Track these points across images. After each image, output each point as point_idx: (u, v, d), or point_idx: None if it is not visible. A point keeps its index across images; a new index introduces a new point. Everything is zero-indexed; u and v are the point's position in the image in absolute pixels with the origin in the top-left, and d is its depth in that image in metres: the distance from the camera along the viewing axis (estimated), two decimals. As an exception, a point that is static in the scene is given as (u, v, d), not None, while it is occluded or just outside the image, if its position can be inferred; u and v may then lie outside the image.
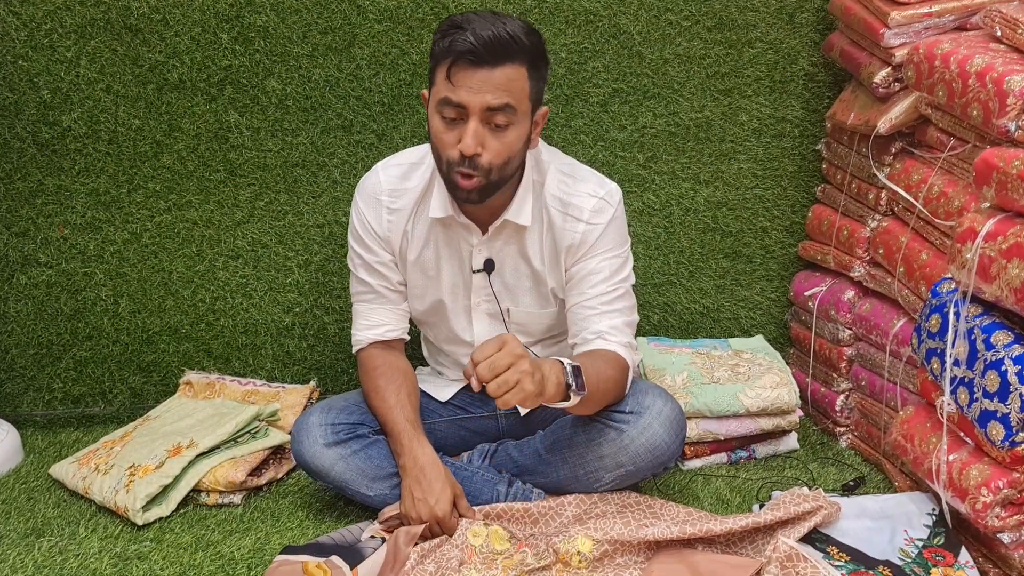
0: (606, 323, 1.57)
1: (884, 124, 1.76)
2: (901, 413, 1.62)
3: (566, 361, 1.41)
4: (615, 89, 2.08)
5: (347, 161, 2.07)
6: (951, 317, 1.44)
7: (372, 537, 1.53)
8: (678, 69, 2.08)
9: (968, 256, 1.38)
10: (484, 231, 1.62)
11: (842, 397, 1.98)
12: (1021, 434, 1.31)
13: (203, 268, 2.10)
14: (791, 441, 1.92)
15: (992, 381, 1.33)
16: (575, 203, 1.59)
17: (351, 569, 1.42)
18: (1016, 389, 1.30)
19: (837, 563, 1.40)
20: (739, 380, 1.89)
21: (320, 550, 1.48)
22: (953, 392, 1.43)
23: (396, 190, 1.62)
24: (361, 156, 2.07)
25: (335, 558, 1.45)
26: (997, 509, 1.35)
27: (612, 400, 1.57)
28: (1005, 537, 1.36)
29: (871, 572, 1.39)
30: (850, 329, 1.95)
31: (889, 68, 1.77)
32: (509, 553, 1.49)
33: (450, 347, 1.76)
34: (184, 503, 1.70)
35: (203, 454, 1.74)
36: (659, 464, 1.60)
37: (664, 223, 2.16)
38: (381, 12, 1.99)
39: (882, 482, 1.79)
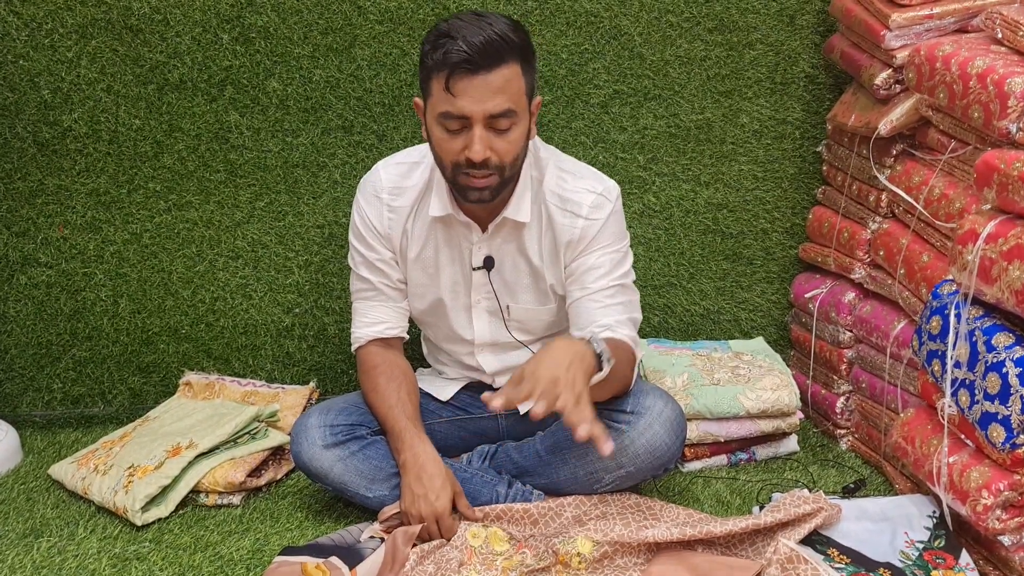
0: (612, 317, 1.58)
1: (885, 126, 1.76)
2: (902, 415, 1.62)
3: (591, 338, 1.40)
4: (616, 91, 2.08)
5: (347, 162, 2.07)
6: (952, 319, 1.44)
7: (371, 537, 1.53)
8: (679, 71, 2.08)
9: (969, 258, 1.38)
10: (483, 229, 1.62)
11: (842, 399, 1.97)
12: (1022, 436, 1.30)
13: (203, 268, 2.10)
14: (791, 443, 1.92)
15: (993, 383, 1.33)
16: (574, 199, 1.59)
17: (350, 570, 1.42)
18: (1017, 391, 1.29)
19: (838, 565, 1.40)
20: (739, 382, 1.89)
21: (319, 551, 1.48)
22: (954, 394, 1.43)
23: (397, 188, 1.63)
24: (361, 157, 2.07)
25: (334, 559, 1.45)
26: (998, 511, 1.34)
27: (621, 388, 1.57)
28: (1006, 539, 1.36)
29: (871, 574, 1.39)
30: (850, 331, 1.95)
31: (890, 70, 1.77)
32: (508, 554, 1.49)
33: (450, 346, 1.76)
34: (183, 504, 1.70)
35: (202, 455, 1.73)
36: (659, 466, 1.59)
37: (664, 225, 2.16)
38: (382, 13, 1.99)
39: (882, 484, 1.78)
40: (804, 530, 1.45)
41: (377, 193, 1.63)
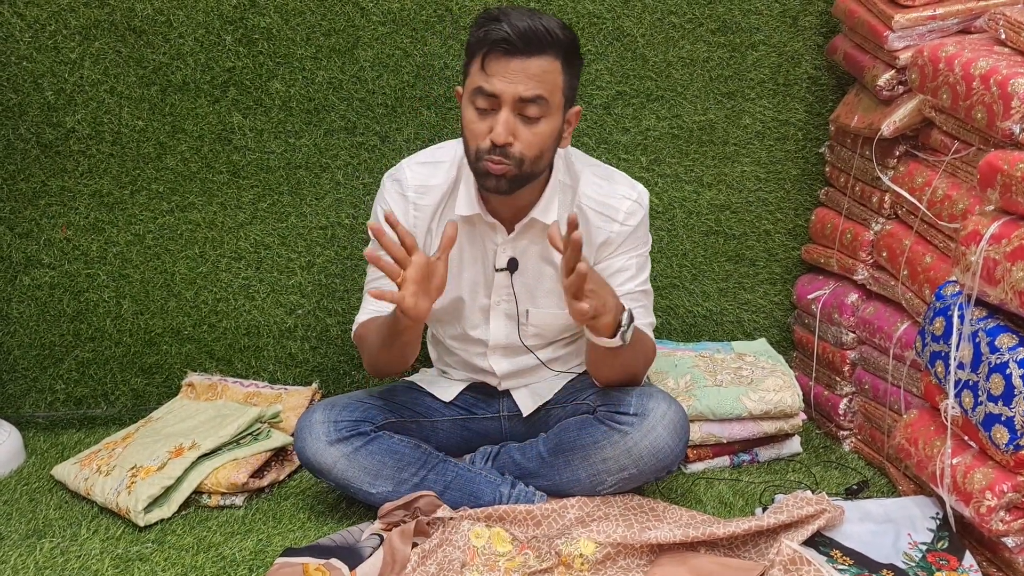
0: (635, 321, 1.59)
1: (888, 127, 1.76)
2: (905, 417, 1.62)
3: (626, 309, 1.48)
4: (618, 92, 2.08)
5: (350, 163, 2.07)
6: (955, 320, 1.43)
7: (372, 535, 1.53)
8: (681, 72, 2.08)
9: (972, 259, 1.38)
10: (509, 231, 1.62)
11: (845, 400, 1.97)
12: (1026, 437, 1.30)
13: (206, 270, 2.10)
14: (794, 445, 1.91)
15: (996, 384, 1.33)
16: (612, 204, 1.63)
17: (350, 571, 1.42)
18: (1021, 392, 1.29)
19: (840, 567, 1.40)
20: (742, 383, 1.88)
21: (321, 552, 1.48)
22: (957, 395, 1.43)
23: (422, 187, 1.63)
24: (364, 158, 2.07)
25: (334, 560, 1.44)
26: (1001, 513, 1.34)
27: (635, 375, 1.62)
28: (1009, 541, 1.36)
29: (875, 576, 1.39)
30: (853, 332, 1.94)
31: (893, 71, 1.77)
32: (511, 555, 1.49)
33: (460, 345, 1.75)
34: (186, 505, 1.70)
35: (205, 456, 1.74)
36: (662, 468, 1.59)
37: (667, 226, 2.16)
38: (384, 14, 1.99)
39: (886, 486, 1.78)
40: (807, 532, 1.45)
41: (403, 191, 1.63)
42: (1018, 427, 1.30)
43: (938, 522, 1.51)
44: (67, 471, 1.79)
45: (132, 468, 1.71)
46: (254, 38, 1.98)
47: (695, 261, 2.19)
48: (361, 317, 1.69)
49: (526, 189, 1.55)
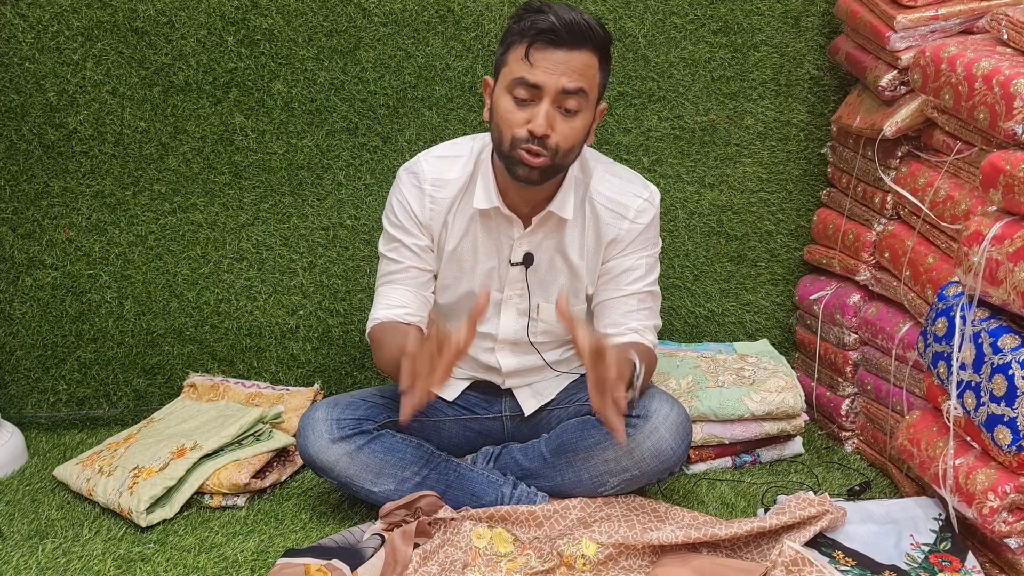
0: (640, 323, 1.65)
1: (890, 127, 1.76)
2: (907, 417, 1.61)
3: (637, 365, 1.47)
4: (620, 92, 2.08)
5: (352, 164, 2.07)
6: (958, 321, 1.43)
7: (374, 536, 1.52)
8: (683, 72, 2.08)
9: (975, 259, 1.38)
10: (526, 225, 1.63)
11: (848, 401, 1.97)
12: (1028, 438, 1.30)
13: (208, 270, 2.10)
14: (796, 445, 1.91)
15: (999, 385, 1.33)
16: (623, 202, 1.63)
17: (352, 571, 1.42)
18: (1023, 393, 1.29)
19: (843, 568, 1.40)
20: (744, 384, 1.88)
21: (322, 553, 1.48)
22: (960, 396, 1.43)
23: (439, 180, 1.63)
24: (366, 159, 2.07)
25: (336, 561, 1.44)
26: (1004, 514, 1.34)
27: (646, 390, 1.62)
28: (1012, 542, 1.36)
29: (877, 577, 1.39)
30: (856, 333, 1.94)
31: (895, 71, 1.77)
32: (513, 556, 1.48)
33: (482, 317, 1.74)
34: (188, 505, 1.70)
35: (207, 456, 1.74)
36: (665, 469, 1.59)
37: (669, 227, 2.16)
38: (386, 15, 1.99)
39: (888, 487, 1.78)
40: (809, 533, 1.45)
41: (420, 184, 1.63)
42: (1021, 428, 1.30)
43: (940, 523, 1.50)
44: (69, 472, 1.79)
45: (134, 469, 1.71)
46: (256, 39, 1.99)
47: (697, 262, 2.19)
48: (377, 314, 1.65)
49: (547, 182, 1.56)
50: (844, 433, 1.98)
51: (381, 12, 1.99)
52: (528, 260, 1.65)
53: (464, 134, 1.76)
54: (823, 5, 2.06)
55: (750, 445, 1.89)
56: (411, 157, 1.69)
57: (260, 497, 1.77)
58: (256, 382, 2.08)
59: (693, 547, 1.47)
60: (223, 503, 1.72)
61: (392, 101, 2.04)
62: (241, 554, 1.55)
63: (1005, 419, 1.32)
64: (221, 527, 1.65)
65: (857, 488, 1.75)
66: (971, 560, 1.42)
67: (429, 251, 1.66)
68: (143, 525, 1.62)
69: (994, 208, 1.41)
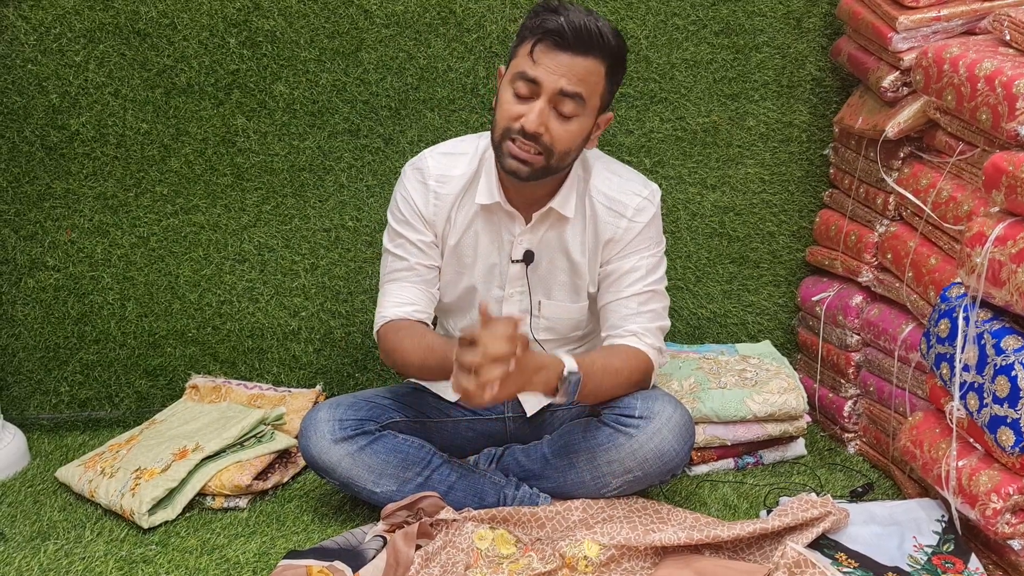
0: (641, 325, 1.62)
1: (892, 128, 1.76)
2: (910, 419, 1.61)
3: (568, 369, 1.45)
4: (622, 93, 2.08)
5: (354, 165, 2.07)
6: (960, 322, 1.43)
7: (376, 537, 1.52)
8: (685, 74, 2.08)
9: (978, 260, 1.38)
10: (527, 221, 1.63)
11: (850, 403, 1.97)
12: (1031, 440, 1.30)
13: (210, 272, 2.10)
14: (798, 447, 1.91)
15: (1002, 386, 1.33)
16: (621, 200, 1.63)
17: (353, 573, 1.42)
18: (1026, 394, 1.29)
19: (846, 569, 1.39)
20: (746, 385, 1.88)
21: (324, 554, 1.48)
22: (962, 397, 1.42)
23: (443, 176, 1.64)
24: (368, 160, 2.07)
25: (337, 563, 1.44)
26: (1007, 515, 1.34)
27: (618, 394, 1.60)
28: (1015, 544, 1.35)
29: (880, 579, 1.39)
30: (858, 334, 1.94)
31: (897, 72, 1.77)
32: (515, 557, 1.48)
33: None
34: (190, 507, 1.70)
35: (209, 458, 1.74)
36: (667, 471, 1.59)
37: (671, 228, 2.16)
38: (388, 17, 2.00)
39: (891, 488, 1.78)
40: (812, 534, 1.44)
41: (424, 180, 1.64)
42: (1024, 429, 1.29)
43: (943, 525, 1.50)
44: (71, 473, 1.80)
45: (136, 470, 1.71)
46: (258, 41, 1.99)
47: (699, 263, 2.19)
48: (386, 312, 1.64)
49: (547, 180, 1.56)
50: (846, 435, 1.97)
51: (383, 14, 1.99)
52: (528, 258, 1.65)
53: (466, 135, 1.76)
54: (825, 6, 2.06)
55: (752, 447, 1.88)
56: (413, 158, 1.70)
57: (262, 499, 1.77)
58: (258, 383, 2.09)
59: (695, 548, 1.46)
60: (225, 505, 1.72)
61: (394, 103, 2.04)
62: (243, 556, 1.55)
63: (1008, 420, 1.32)
64: (223, 529, 1.65)
65: (860, 490, 1.74)
66: (974, 562, 1.41)
67: (434, 247, 1.66)
68: (145, 527, 1.62)
69: (997, 209, 1.41)
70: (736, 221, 2.17)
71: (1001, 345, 1.35)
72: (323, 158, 2.07)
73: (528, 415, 1.76)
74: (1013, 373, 1.31)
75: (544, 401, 1.76)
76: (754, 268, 2.21)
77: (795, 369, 2.09)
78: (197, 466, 1.72)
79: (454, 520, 1.54)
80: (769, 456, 1.89)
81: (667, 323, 1.68)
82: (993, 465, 1.38)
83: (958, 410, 1.44)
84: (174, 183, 2.06)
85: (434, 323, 1.80)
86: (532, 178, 1.53)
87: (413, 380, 1.81)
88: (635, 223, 1.63)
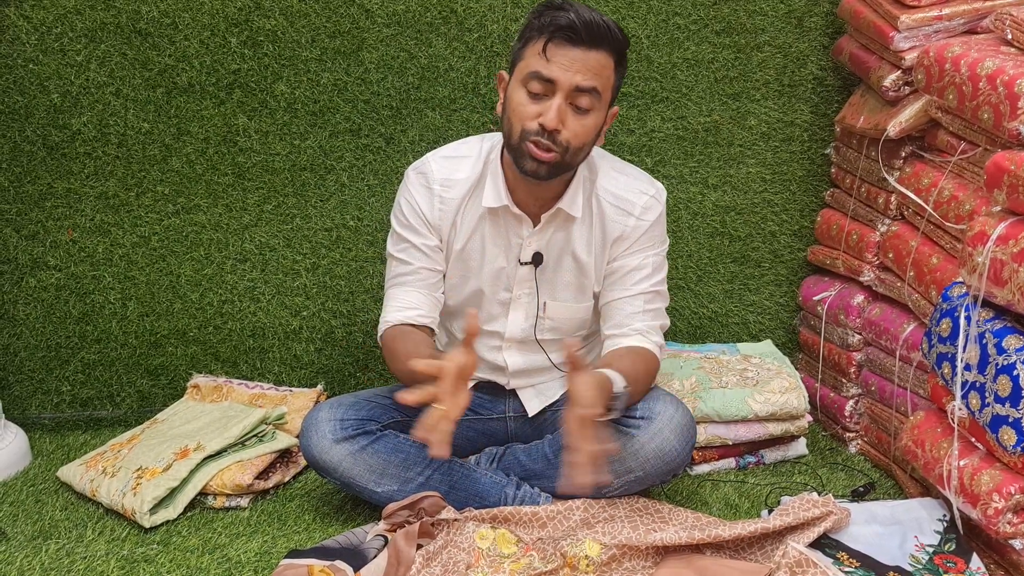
0: (646, 323, 1.64)
1: (894, 128, 1.76)
2: (911, 418, 1.61)
3: (617, 388, 1.46)
4: (623, 93, 2.08)
5: (355, 165, 2.07)
6: (962, 321, 1.43)
7: (377, 536, 1.52)
8: (686, 73, 2.08)
9: (979, 260, 1.37)
10: (535, 223, 1.63)
11: (851, 402, 1.96)
12: (1033, 439, 1.30)
13: (211, 271, 2.11)
14: (800, 446, 1.91)
15: (1004, 386, 1.32)
16: (628, 198, 1.64)
17: (355, 572, 1.42)
18: (1028, 394, 1.29)
19: (847, 569, 1.39)
20: (748, 385, 1.88)
21: (325, 553, 1.48)
22: (964, 397, 1.42)
23: (448, 180, 1.64)
24: (369, 160, 2.07)
25: (339, 562, 1.44)
26: (1009, 515, 1.33)
27: (639, 398, 1.61)
28: (1017, 543, 1.35)
29: (881, 578, 1.38)
30: (859, 334, 1.94)
31: (899, 71, 1.76)
32: (516, 556, 1.48)
33: (478, 340, 1.75)
34: (191, 506, 1.70)
35: (210, 457, 1.74)
36: (669, 471, 1.59)
37: (672, 227, 2.15)
38: (389, 16, 2.00)
39: (892, 488, 1.78)
40: (813, 534, 1.44)
41: (429, 184, 1.64)
42: (1026, 429, 1.29)
43: (945, 524, 1.50)
44: (73, 472, 1.80)
45: (138, 469, 1.71)
46: (259, 40, 1.99)
47: (700, 263, 2.19)
48: (389, 317, 1.65)
49: (555, 180, 1.56)
50: (848, 434, 1.97)
51: (384, 13, 1.99)
52: (537, 260, 1.65)
53: (467, 135, 1.76)
54: (826, 5, 2.06)
55: (754, 446, 1.88)
56: (414, 158, 1.70)
57: (263, 498, 1.77)
58: (259, 383, 2.09)
59: (696, 548, 1.46)
60: (226, 504, 1.72)
61: (395, 102, 2.04)
62: (244, 555, 1.55)
63: (1010, 420, 1.31)
64: (224, 528, 1.65)
65: (861, 489, 1.74)
66: (976, 561, 1.41)
67: (438, 251, 1.66)
68: (147, 526, 1.63)
69: (998, 208, 1.41)
70: (737, 220, 2.17)
71: (1003, 344, 1.34)
72: (324, 157, 2.07)
73: (530, 415, 1.76)
74: (1015, 372, 1.31)
75: (547, 401, 1.76)
76: (755, 267, 2.21)
77: (796, 368, 2.09)
78: (198, 465, 1.72)
79: (455, 520, 1.54)
80: (770, 456, 1.89)
81: (667, 322, 1.70)
82: (995, 464, 1.37)
83: (960, 409, 1.43)
84: (175, 182, 2.06)
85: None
86: (551, 177, 1.53)
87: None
88: (643, 221, 1.63)
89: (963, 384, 1.42)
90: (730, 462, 1.87)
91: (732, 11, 2.05)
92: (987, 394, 1.36)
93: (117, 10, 1.94)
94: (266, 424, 1.84)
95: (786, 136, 2.13)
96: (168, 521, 1.66)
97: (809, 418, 1.89)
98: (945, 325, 1.49)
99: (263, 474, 1.76)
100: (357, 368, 2.18)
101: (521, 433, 1.78)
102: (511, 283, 1.68)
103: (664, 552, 1.46)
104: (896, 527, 1.51)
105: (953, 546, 1.45)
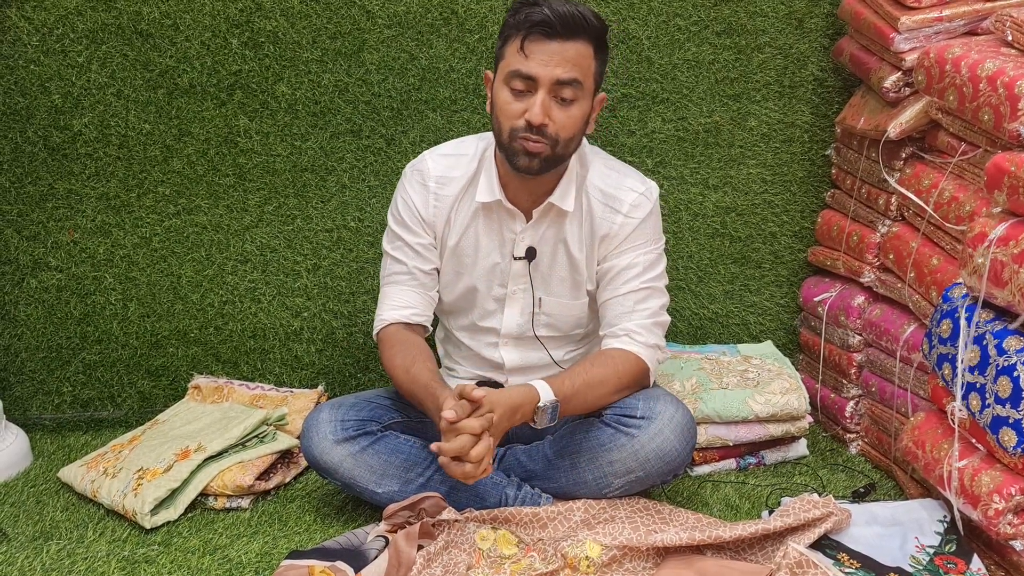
0: (636, 322, 1.62)
1: (894, 129, 1.76)
2: (912, 419, 1.61)
3: (542, 402, 1.47)
4: (624, 94, 2.08)
5: (356, 166, 2.08)
6: (962, 322, 1.43)
7: (378, 537, 1.52)
8: (687, 74, 2.08)
9: (979, 261, 1.37)
10: (528, 218, 1.64)
11: (852, 403, 1.96)
12: (1034, 440, 1.30)
13: (212, 272, 2.11)
14: (800, 447, 1.91)
15: (1004, 387, 1.33)
16: (617, 195, 1.64)
17: (355, 573, 1.42)
18: (1028, 395, 1.29)
19: (848, 570, 1.39)
20: (748, 386, 1.88)
21: (326, 554, 1.48)
22: (964, 398, 1.42)
23: (443, 177, 1.66)
24: (370, 161, 2.07)
25: (340, 563, 1.44)
26: (1009, 516, 1.33)
27: (610, 401, 1.60)
28: (1017, 544, 1.35)
29: (882, 579, 1.38)
30: (860, 335, 1.94)
31: (899, 73, 1.77)
32: (517, 557, 1.48)
33: (474, 337, 1.76)
34: (192, 507, 1.70)
35: (211, 458, 1.74)
36: (669, 471, 1.59)
37: (673, 228, 2.16)
38: (390, 17, 2.00)
39: (893, 489, 1.78)
40: (814, 535, 1.44)
41: (424, 181, 1.66)
42: (1026, 430, 1.29)
43: (945, 525, 1.50)
44: (74, 473, 1.80)
45: (138, 470, 1.71)
46: (260, 41, 1.99)
47: (701, 264, 2.19)
48: (384, 315, 1.67)
49: (548, 174, 1.57)
50: (848, 435, 1.97)
51: (385, 14, 1.99)
52: (531, 254, 1.66)
53: (466, 136, 1.76)
54: (827, 7, 2.06)
55: (754, 447, 1.88)
56: (414, 160, 1.70)
57: (264, 499, 1.77)
58: (260, 384, 2.09)
59: (697, 549, 1.46)
60: (227, 505, 1.72)
61: (396, 103, 2.04)
62: (245, 556, 1.55)
63: (1010, 421, 1.31)
64: (225, 529, 1.65)
65: (862, 490, 1.74)
66: (976, 562, 1.41)
67: (432, 249, 1.67)
68: (147, 527, 1.63)
69: (999, 209, 1.41)
70: (738, 221, 2.17)
71: (1003, 346, 1.34)
72: (325, 159, 2.07)
73: (538, 426, 1.76)
74: (1015, 374, 1.31)
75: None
76: (756, 268, 2.21)
77: (797, 369, 2.09)
78: (199, 466, 1.72)
79: (456, 520, 1.54)
80: (771, 456, 1.89)
81: (666, 319, 1.67)
82: (995, 466, 1.37)
83: (960, 411, 1.43)
84: (176, 183, 2.06)
85: (435, 323, 1.80)
86: (544, 170, 1.54)
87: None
88: (631, 219, 1.63)
89: (963, 385, 1.42)
90: (731, 463, 1.87)
91: (733, 12, 2.05)
92: (987, 395, 1.36)
93: (118, 11, 1.95)
94: (267, 425, 1.84)
95: (787, 137, 2.14)
96: (169, 522, 1.66)
97: (810, 419, 1.89)
98: (945, 326, 1.49)
99: (264, 475, 1.76)
100: (358, 369, 2.18)
101: (521, 434, 1.78)
102: (505, 279, 1.69)
103: (664, 553, 1.46)
104: (897, 528, 1.51)
105: (954, 547, 1.45)
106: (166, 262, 2.09)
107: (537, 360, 1.74)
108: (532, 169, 1.53)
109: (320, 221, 2.10)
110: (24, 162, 2.01)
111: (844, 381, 1.99)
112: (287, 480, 1.82)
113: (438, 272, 1.71)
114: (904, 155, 1.82)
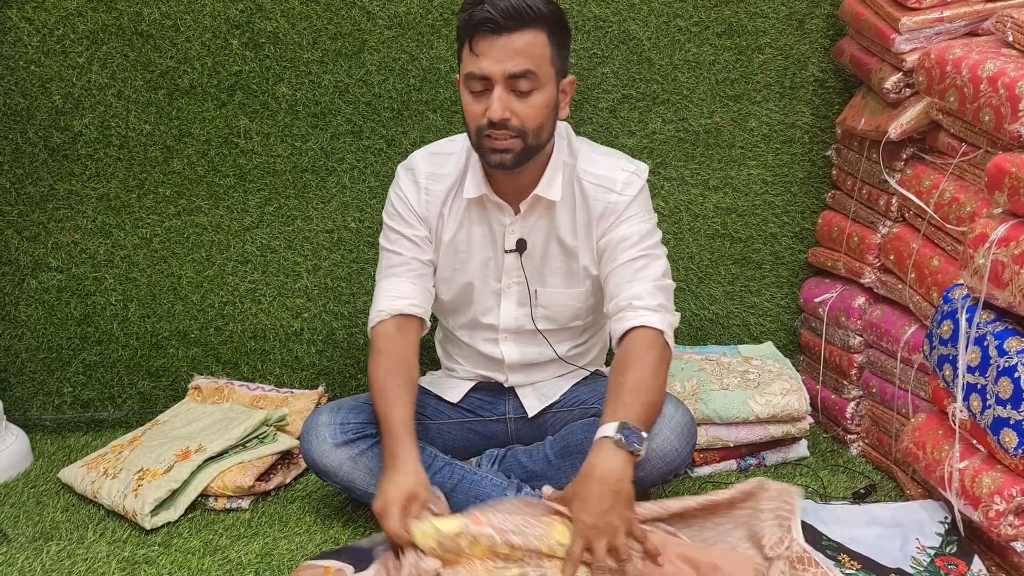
0: (639, 288, 1.57)
1: (895, 129, 1.76)
2: (912, 420, 1.61)
3: (606, 434, 1.40)
4: (624, 95, 2.08)
5: (356, 166, 2.08)
6: (963, 323, 1.43)
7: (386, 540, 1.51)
8: (687, 75, 2.08)
9: (980, 262, 1.37)
10: (516, 211, 1.64)
11: (853, 404, 1.96)
12: (1034, 441, 1.30)
13: (212, 273, 2.11)
14: (801, 448, 1.91)
15: (1005, 388, 1.32)
16: (608, 175, 1.63)
17: (355, 573, 1.41)
18: (1029, 396, 1.29)
19: (848, 571, 1.39)
20: (749, 387, 1.88)
21: (346, 554, 1.46)
22: (965, 399, 1.42)
23: (433, 174, 1.67)
24: (370, 161, 2.07)
25: (343, 564, 1.44)
26: (1010, 517, 1.33)
27: (662, 383, 1.53)
28: (1018, 545, 1.35)
29: (882, 580, 1.38)
30: (861, 336, 1.94)
31: (900, 73, 1.76)
32: (468, 534, 1.41)
33: (473, 334, 1.75)
34: (192, 508, 1.70)
35: (212, 458, 1.74)
36: (669, 471, 1.59)
37: (673, 229, 2.16)
38: (391, 18, 2.00)
39: (893, 490, 1.77)
40: (772, 513, 1.43)
41: (415, 178, 1.67)
42: (1027, 431, 1.29)
43: (946, 526, 1.50)
44: (74, 474, 1.80)
45: (139, 471, 1.71)
46: (260, 42, 1.99)
47: (701, 264, 2.19)
48: (381, 306, 1.65)
49: (529, 166, 1.57)
50: (849, 436, 1.97)
51: (385, 15, 1.99)
52: (521, 246, 1.66)
53: (456, 135, 1.76)
54: (827, 7, 2.06)
55: (755, 448, 1.88)
56: (404, 160, 1.70)
57: (264, 500, 1.77)
58: (260, 384, 2.09)
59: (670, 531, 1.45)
60: (227, 505, 1.72)
61: (396, 104, 2.04)
62: (245, 556, 1.55)
63: (1011, 422, 1.31)
64: (225, 529, 1.65)
65: (862, 491, 1.74)
66: (977, 563, 1.41)
67: (428, 242, 1.68)
68: (147, 527, 1.63)
69: (999, 210, 1.41)
70: (738, 222, 2.17)
71: (1004, 347, 1.34)
72: (325, 159, 2.07)
73: (530, 415, 1.76)
74: (1016, 375, 1.31)
75: (547, 402, 1.76)
76: (756, 269, 2.21)
77: (797, 370, 2.09)
78: (199, 467, 1.72)
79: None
80: (772, 457, 1.89)
81: (670, 283, 1.62)
82: (996, 467, 1.37)
83: (961, 412, 1.43)
84: (177, 184, 2.06)
85: (433, 323, 1.80)
86: (518, 164, 1.54)
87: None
88: (624, 196, 1.62)
89: (964, 386, 1.42)
90: (731, 464, 1.87)
91: (733, 13, 2.05)
92: (988, 396, 1.36)
93: (119, 12, 1.95)
94: (267, 426, 1.84)
95: (787, 138, 2.14)
96: (169, 523, 1.66)
97: (810, 420, 1.89)
98: (946, 327, 1.49)
99: (264, 476, 1.76)
100: (358, 370, 2.18)
101: (522, 434, 1.78)
102: (499, 272, 1.69)
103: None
104: (897, 529, 1.51)
105: (954, 548, 1.45)
106: (166, 263, 2.09)
107: (537, 355, 1.74)
108: (506, 164, 1.53)
109: (320, 222, 2.10)
110: (24, 163, 2.02)
111: (845, 382, 1.99)
112: (287, 481, 1.82)
113: (435, 268, 1.71)
114: (905, 156, 1.82)
